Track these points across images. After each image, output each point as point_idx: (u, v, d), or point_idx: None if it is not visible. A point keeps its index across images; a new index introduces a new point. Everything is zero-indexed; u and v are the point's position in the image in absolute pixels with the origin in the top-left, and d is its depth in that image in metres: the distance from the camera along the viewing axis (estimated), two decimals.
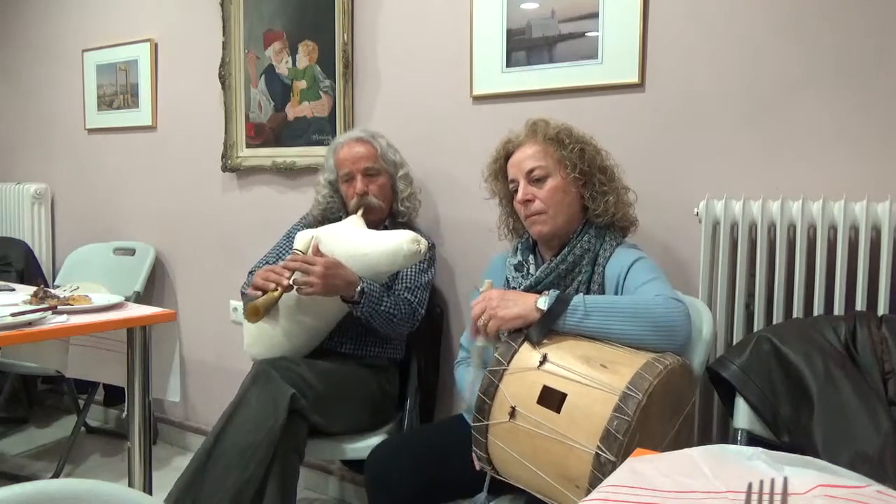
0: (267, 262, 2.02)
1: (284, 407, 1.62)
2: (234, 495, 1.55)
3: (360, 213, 1.96)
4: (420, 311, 1.94)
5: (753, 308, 1.66)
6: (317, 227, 2.04)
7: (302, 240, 1.84)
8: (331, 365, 1.84)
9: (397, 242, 1.77)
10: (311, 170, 2.40)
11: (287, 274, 1.72)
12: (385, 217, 2.05)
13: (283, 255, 2.02)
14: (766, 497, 0.71)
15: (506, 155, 1.63)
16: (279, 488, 1.62)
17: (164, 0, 2.86)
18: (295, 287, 1.72)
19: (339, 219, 2.05)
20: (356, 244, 1.82)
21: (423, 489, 1.52)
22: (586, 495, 1.16)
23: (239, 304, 2.07)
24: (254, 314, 1.71)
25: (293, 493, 1.68)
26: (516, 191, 1.59)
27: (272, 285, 1.72)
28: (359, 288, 1.76)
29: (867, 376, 1.34)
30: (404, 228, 2.02)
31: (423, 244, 1.78)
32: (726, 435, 1.69)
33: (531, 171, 1.56)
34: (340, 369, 1.85)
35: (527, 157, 1.57)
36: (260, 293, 1.73)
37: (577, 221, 1.58)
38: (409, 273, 1.94)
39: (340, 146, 2.05)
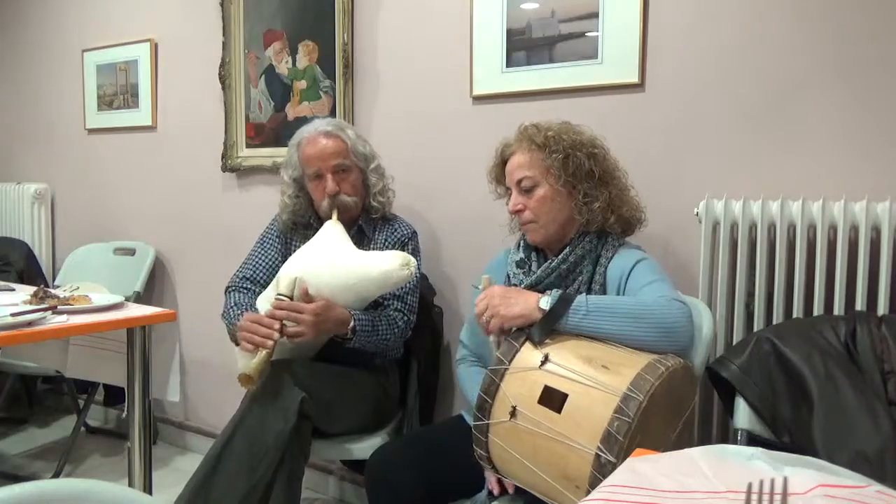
0: (244, 276, 1.97)
1: (294, 411, 1.60)
2: (241, 499, 1.55)
3: (335, 216, 1.86)
4: (412, 318, 1.90)
5: (753, 308, 1.66)
6: (288, 233, 1.99)
7: (285, 282, 1.71)
8: (335, 367, 1.83)
9: (386, 271, 1.70)
10: None
11: (276, 326, 1.63)
12: (359, 214, 1.97)
13: (259, 267, 1.96)
14: (766, 497, 0.71)
15: (502, 160, 1.63)
16: (284, 491, 1.61)
17: (164, 0, 2.86)
18: (285, 336, 1.64)
19: (309, 222, 1.97)
20: (342, 277, 1.73)
21: (425, 489, 1.52)
22: (586, 496, 1.16)
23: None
24: (248, 382, 1.58)
25: (298, 495, 1.68)
26: None
27: (267, 342, 1.61)
28: (351, 325, 1.72)
29: (867, 376, 1.34)
30: (380, 222, 1.98)
31: (413, 266, 1.72)
32: (726, 435, 1.69)
33: (520, 181, 1.56)
34: (344, 371, 1.83)
35: (516, 167, 1.57)
36: (252, 348, 1.63)
37: (574, 225, 1.57)
38: None
39: (305, 141, 1.92)
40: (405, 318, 1.87)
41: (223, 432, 1.63)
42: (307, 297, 1.68)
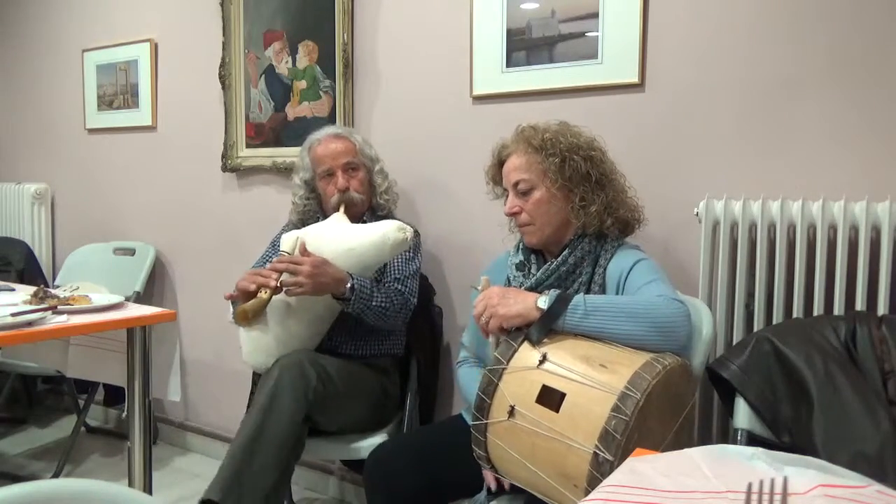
0: None
1: (307, 399, 1.66)
2: (274, 485, 1.60)
3: (342, 210, 1.93)
4: (412, 300, 1.93)
5: (753, 308, 1.66)
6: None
7: (287, 241, 1.82)
8: (339, 362, 1.84)
9: (383, 233, 1.77)
10: None
11: (274, 276, 1.70)
12: (365, 212, 2.04)
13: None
14: (766, 497, 0.71)
15: (499, 161, 1.63)
16: (283, 481, 1.67)
17: (164, 0, 2.86)
18: (284, 289, 1.70)
19: (318, 221, 2.01)
20: (342, 239, 1.81)
21: (423, 489, 1.52)
22: (584, 495, 1.16)
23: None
24: (243, 318, 1.70)
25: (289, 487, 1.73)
26: None
27: (259, 288, 1.70)
28: (349, 284, 1.74)
29: (867, 376, 1.34)
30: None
31: (409, 231, 1.78)
32: (726, 435, 1.69)
33: (516, 183, 1.56)
34: (347, 367, 1.85)
35: (513, 169, 1.57)
36: (239, 297, 1.72)
37: (571, 227, 1.57)
38: (396, 264, 1.93)
39: (317, 143, 2.03)
40: (404, 296, 1.90)
41: (251, 422, 1.64)
42: (306, 253, 1.75)
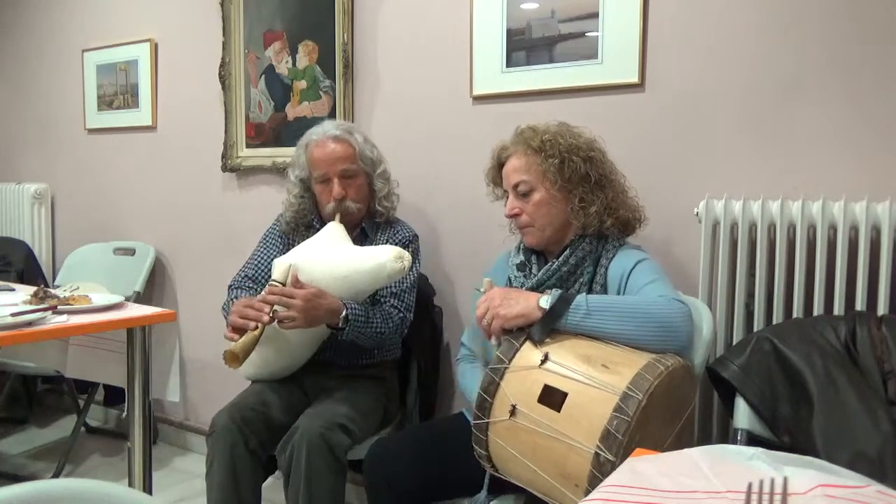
0: (246, 275, 1.96)
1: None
2: None
3: (337, 218, 1.87)
4: (409, 316, 1.88)
5: (753, 308, 1.66)
6: (290, 233, 1.99)
7: (279, 269, 1.73)
8: (345, 393, 1.83)
9: (379, 262, 1.69)
10: None
11: (266, 309, 1.63)
12: (363, 217, 1.97)
13: (262, 265, 1.96)
14: (766, 497, 0.71)
15: (499, 163, 1.63)
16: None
17: (164, 0, 2.86)
18: (276, 321, 1.64)
19: (311, 223, 1.98)
20: (336, 267, 1.72)
21: (423, 486, 1.52)
22: (585, 494, 1.16)
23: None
24: (233, 360, 1.59)
25: None
26: None
27: (251, 324, 1.62)
28: (343, 314, 1.70)
29: (867, 376, 1.34)
30: (384, 226, 1.98)
31: (407, 260, 1.70)
32: (726, 435, 1.69)
33: (516, 185, 1.56)
34: (351, 396, 1.83)
35: (512, 171, 1.57)
36: (237, 336, 1.63)
37: (571, 228, 1.57)
38: None
39: (314, 143, 1.92)
40: (401, 314, 1.86)
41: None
42: (298, 284, 1.68)
